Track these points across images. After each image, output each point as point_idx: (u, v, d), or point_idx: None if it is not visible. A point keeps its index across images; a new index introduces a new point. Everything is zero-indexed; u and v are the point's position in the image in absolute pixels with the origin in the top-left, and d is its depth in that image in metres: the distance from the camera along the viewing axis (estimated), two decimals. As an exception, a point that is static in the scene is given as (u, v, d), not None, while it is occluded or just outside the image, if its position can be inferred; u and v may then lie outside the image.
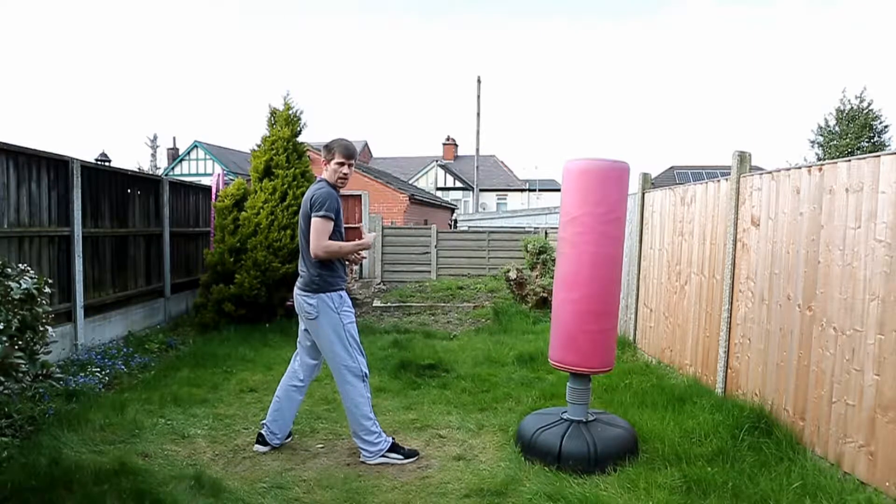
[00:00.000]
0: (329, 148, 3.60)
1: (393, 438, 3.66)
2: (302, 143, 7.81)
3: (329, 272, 3.53)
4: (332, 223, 3.47)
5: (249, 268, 7.03)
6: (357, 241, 3.62)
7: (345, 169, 3.55)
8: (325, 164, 3.60)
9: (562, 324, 3.57)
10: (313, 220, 3.43)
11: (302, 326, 3.70)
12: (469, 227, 19.35)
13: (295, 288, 3.64)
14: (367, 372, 3.64)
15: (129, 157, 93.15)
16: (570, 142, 75.44)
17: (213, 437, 3.91)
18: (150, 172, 24.88)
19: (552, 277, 6.24)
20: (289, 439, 3.84)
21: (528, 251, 9.95)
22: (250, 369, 5.55)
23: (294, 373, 3.77)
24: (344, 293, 3.61)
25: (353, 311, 3.64)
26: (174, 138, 38.01)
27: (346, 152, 3.57)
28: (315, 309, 3.50)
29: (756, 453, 3.42)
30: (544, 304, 8.55)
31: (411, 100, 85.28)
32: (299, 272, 3.64)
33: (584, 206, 3.44)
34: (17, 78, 68.96)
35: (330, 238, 3.45)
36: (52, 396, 4.18)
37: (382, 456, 3.54)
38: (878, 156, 3.07)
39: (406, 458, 3.56)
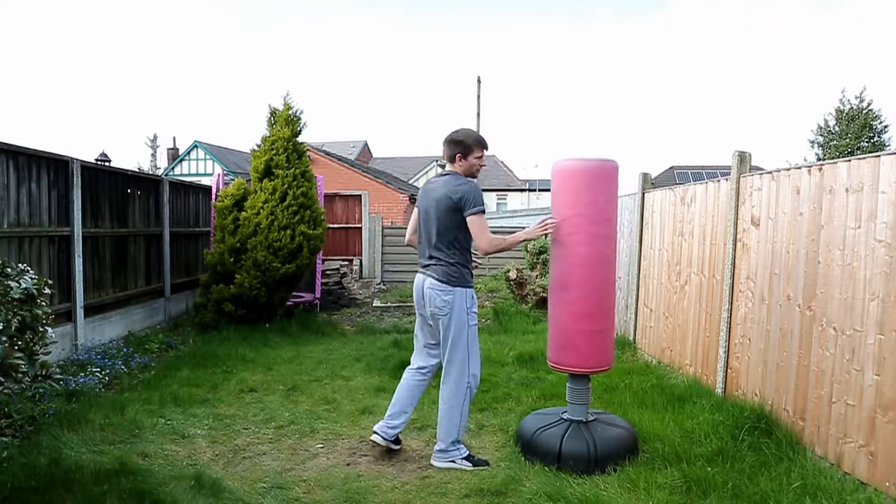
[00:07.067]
0: (463, 143, 3.52)
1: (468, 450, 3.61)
2: (302, 143, 7.80)
3: (469, 269, 3.54)
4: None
5: (249, 268, 7.03)
6: (521, 234, 3.60)
7: (483, 160, 3.58)
8: (461, 160, 3.52)
9: (558, 325, 3.56)
10: (473, 217, 3.37)
11: (419, 321, 3.64)
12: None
13: (426, 279, 3.52)
14: (473, 382, 3.55)
15: (129, 157, 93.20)
16: (570, 141, 75.64)
17: (213, 437, 3.91)
18: (150, 172, 24.88)
19: (552, 277, 6.22)
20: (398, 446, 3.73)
21: (528, 251, 9.95)
22: (250, 369, 5.55)
23: (415, 368, 3.75)
24: (474, 293, 3.57)
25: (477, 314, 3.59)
26: (174, 138, 38.01)
27: (484, 143, 3.57)
28: (449, 305, 3.45)
29: (756, 453, 3.42)
30: (544, 304, 8.54)
31: (411, 100, 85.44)
32: (428, 262, 3.51)
33: (574, 207, 3.41)
34: (17, 78, 68.97)
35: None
36: (52, 396, 4.17)
37: (451, 461, 3.51)
38: (878, 156, 3.07)
39: (475, 465, 3.50)
